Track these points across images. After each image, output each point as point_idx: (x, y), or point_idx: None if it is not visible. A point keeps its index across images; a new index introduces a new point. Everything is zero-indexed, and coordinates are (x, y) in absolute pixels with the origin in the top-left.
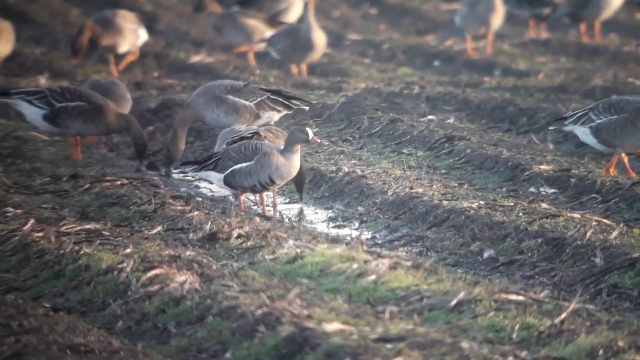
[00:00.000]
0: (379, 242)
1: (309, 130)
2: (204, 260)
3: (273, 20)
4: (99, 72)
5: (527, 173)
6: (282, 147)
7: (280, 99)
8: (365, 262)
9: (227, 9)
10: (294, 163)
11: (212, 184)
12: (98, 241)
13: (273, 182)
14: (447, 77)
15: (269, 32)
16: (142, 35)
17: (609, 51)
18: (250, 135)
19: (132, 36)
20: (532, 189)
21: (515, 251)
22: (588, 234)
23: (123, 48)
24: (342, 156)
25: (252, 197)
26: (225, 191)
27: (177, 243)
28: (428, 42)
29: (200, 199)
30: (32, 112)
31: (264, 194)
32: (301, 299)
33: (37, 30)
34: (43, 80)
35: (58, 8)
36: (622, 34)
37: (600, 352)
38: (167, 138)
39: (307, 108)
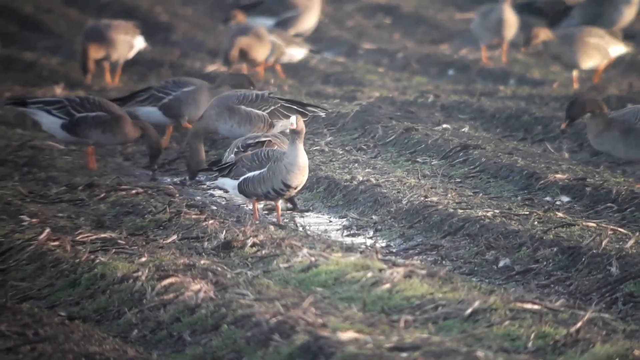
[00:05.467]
0: (394, 250)
1: (293, 117)
2: (219, 269)
3: (282, 27)
4: (113, 81)
5: (542, 182)
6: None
7: (295, 107)
8: (380, 270)
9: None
10: (299, 153)
11: (227, 192)
12: (113, 250)
13: (288, 187)
14: (462, 86)
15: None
16: (138, 44)
17: (623, 60)
18: (263, 141)
19: (123, 47)
20: (547, 198)
21: (531, 260)
22: (604, 243)
23: (113, 58)
24: (356, 165)
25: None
26: (239, 200)
27: (191, 252)
28: (442, 51)
29: (215, 208)
30: (50, 122)
31: (279, 202)
32: (316, 307)
33: (54, 41)
34: (59, 90)
35: (74, 18)
36: (638, 43)
37: None
38: (185, 154)
39: (323, 114)
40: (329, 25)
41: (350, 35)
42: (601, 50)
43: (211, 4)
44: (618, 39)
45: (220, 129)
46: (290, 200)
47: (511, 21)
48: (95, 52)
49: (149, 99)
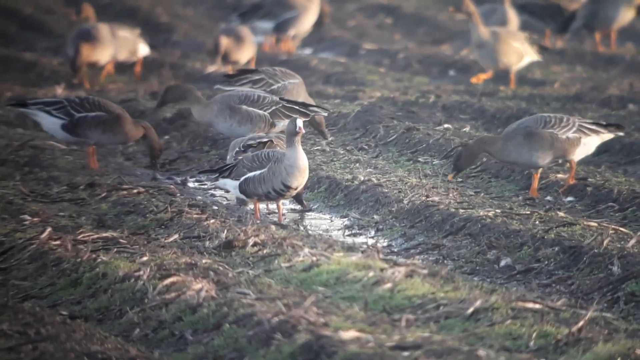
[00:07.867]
0: (395, 250)
1: (298, 121)
2: (220, 268)
3: (281, 28)
4: (114, 82)
5: (543, 182)
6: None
7: (296, 107)
8: (382, 270)
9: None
10: (299, 155)
11: (228, 192)
12: (115, 249)
13: (288, 188)
14: (463, 86)
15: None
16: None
17: (625, 60)
18: (265, 142)
19: (112, 49)
20: (548, 198)
21: (532, 259)
22: (605, 243)
23: (104, 61)
24: (357, 165)
25: (270, 205)
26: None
27: (193, 251)
28: (443, 51)
29: (216, 208)
30: (50, 122)
31: (281, 202)
32: (317, 306)
33: (55, 41)
34: (60, 90)
35: (75, 19)
36: (638, 43)
37: None
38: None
39: (325, 114)
40: (330, 25)
41: (352, 35)
42: (519, 54)
43: (212, 5)
44: (533, 48)
45: (219, 126)
46: (297, 198)
47: (514, 21)
48: (86, 52)
49: (260, 81)
